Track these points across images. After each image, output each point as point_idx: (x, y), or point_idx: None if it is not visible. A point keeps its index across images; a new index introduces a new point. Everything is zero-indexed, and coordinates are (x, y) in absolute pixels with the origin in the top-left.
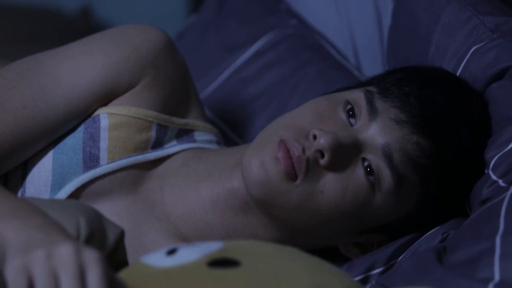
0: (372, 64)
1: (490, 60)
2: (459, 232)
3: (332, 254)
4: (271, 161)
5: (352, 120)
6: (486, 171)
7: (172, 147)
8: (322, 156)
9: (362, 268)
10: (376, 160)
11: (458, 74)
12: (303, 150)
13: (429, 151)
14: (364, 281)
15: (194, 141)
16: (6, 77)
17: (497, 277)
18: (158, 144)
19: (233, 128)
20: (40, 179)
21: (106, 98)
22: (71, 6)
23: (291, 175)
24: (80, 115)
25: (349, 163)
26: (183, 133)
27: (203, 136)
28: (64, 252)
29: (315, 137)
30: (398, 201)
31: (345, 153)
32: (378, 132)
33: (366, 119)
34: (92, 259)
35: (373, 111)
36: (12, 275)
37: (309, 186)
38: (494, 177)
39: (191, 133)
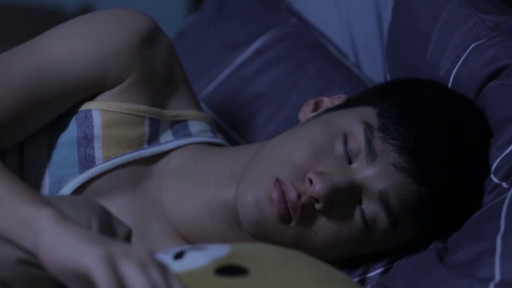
0: (372, 62)
1: (488, 58)
2: (460, 232)
3: None
4: (266, 201)
5: (350, 155)
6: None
7: (169, 143)
8: (317, 201)
9: (363, 269)
10: (372, 204)
11: (456, 70)
12: (299, 196)
13: (428, 199)
14: (364, 281)
15: (190, 134)
16: (3, 57)
17: (497, 277)
18: (153, 138)
19: (233, 127)
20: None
21: (93, 89)
22: (71, 4)
23: (286, 219)
24: (67, 102)
25: (345, 205)
26: (178, 126)
27: (198, 127)
28: (142, 252)
29: (311, 181)
30: (394, 237)
31: (341, 196)
32: (375, 176)
33: (364, 160)
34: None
35: (371, 152)
36: (97, 262)
37: (303, 229)
38: (496, 180)
39: (185, 124)
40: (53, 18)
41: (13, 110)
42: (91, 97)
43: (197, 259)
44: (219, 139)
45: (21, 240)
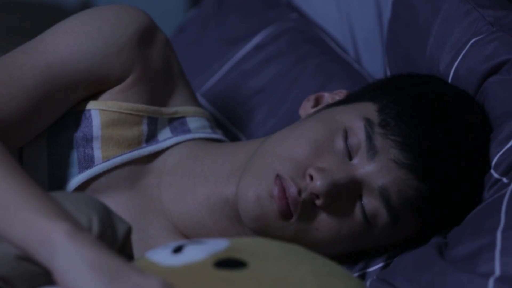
0: (372, 57)
1: (488, 53)
2: (460, 227)
3: None
4: (266, 197)
5: (350, 151)
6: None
7: (167, 140)
8: (318, 197)
9: (363, 264)
10: (372, 199)
11: (456, 65)
12: (299, 192)
13: (428, 194)
14: (364, 276)
15: (189, 130)
16: (12, 56)
17: (497, 271)
18: (151, 137)
19: (233, 122)
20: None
21: (98, 86)
22: (71, 0)
23: (286, 215)
24: (74, 99)
25: (346, 200)
26: (176, 123)
27: (196, 123)
28: (155, 283)
29: (311, 177)
30: (394, 233)
31: (342, 192)
32: (376, 172)
33: (365, 156)
34: None
35: (372, 148)
36: None
37: (304, 225)
38: (496, 175)
39: (184, 121)
40: (53, 14)
41: (27, 108)
42: (92, 96)
43: (196, 253)
44: (218, 135)
45: (36, 255)
